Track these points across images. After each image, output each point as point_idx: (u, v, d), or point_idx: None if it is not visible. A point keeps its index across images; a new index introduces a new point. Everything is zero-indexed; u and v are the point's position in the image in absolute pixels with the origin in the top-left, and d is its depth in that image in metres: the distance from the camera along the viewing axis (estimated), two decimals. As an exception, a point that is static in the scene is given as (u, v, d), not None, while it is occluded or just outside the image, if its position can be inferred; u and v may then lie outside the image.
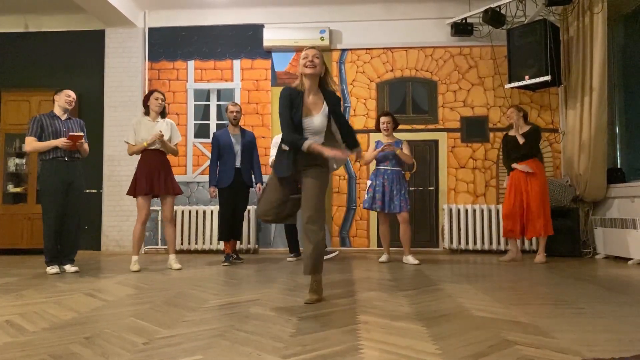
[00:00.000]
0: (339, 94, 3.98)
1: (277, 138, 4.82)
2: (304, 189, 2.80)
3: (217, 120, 6.14)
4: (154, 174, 4.29)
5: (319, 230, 2.72)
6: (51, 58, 6.33)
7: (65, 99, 4.26)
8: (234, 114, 4.83)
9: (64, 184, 4.16)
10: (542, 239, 4.78)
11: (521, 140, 4.70)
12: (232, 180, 4.70)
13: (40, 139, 4.14)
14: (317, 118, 2.79)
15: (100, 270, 4.34)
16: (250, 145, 4.87)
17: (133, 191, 4.29)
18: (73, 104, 4.33)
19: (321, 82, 2.88)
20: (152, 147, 4.31)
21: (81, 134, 4.18)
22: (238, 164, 4.75)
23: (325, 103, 2.83)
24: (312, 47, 2.85)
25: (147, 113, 4.41)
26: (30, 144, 4.14)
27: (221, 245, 5.69)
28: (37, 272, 4.17)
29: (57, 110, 4.26)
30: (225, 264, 4.67)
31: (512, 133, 4.87)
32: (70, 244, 4.25)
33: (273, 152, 5.00)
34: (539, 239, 4.85)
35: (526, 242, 5.56)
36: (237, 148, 4.77)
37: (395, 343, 1.90)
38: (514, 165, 4.78)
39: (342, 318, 2.34)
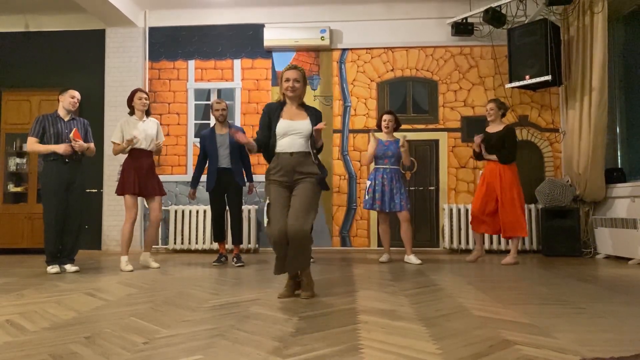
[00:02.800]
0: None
1: None
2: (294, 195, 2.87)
3: (218, 119, 6.14)
4: (142, 173, 4.32)
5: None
6: (52, 58, 6.33)
7: (69, 100, 4.23)
8: (220, 111, 4.59)
9: (65, 184, 4.16)
10: (515, 239, 4.64)
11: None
12: (217, 182, 4.53)
13: (42, 140, 4.15)
14: (302, 122, 2.93)
15: (101, 269, 4.34)
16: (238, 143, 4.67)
17: (121, 190, 4.30)
18: (77, 105, 4.31)
19: (302, 101, 3.06)
20: (141, 147, 4.32)
21: (77, 140, 4.14)
22: (222, 164, 4.54)
23: (308, 116, 2.97)
24: (294, 68, 2.97)
25: (132, 113, 4.42)
26: (32, 145, 4.15)
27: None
28: (38, 272, 4.18)
29: (61, 111, 4.25)
30: (215, 264, 4.62)
31: (488, 129, 4.73)
32: (72, 243, 4.25)
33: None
34: (511, 240, 4.70)
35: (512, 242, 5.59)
36: (222, 149, 4.55)
37: (395, 343, 1.89)
38: (486, 156, 4.59)
39: (342, 318, 2.34)
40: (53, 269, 4.10)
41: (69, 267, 4.19)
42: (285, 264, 2.84)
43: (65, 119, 4.25)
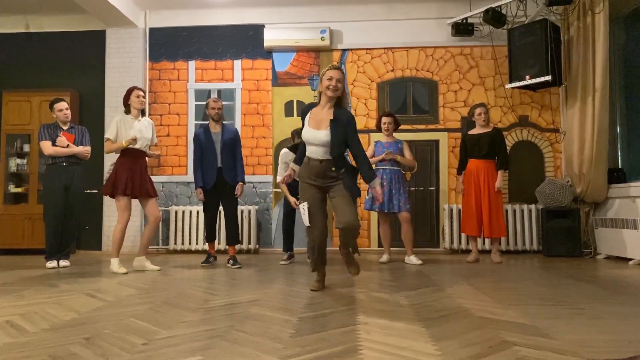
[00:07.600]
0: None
1: (285, 155, 4.72)
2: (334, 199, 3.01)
3: (218, 120, 6.13)
4: (135, 175, 4.19)
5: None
6: (52, 58, 6.34)
7: (59, 114, 4.57)
8: (216, 110, 4.55)
9: (63, 186, 4.55)
10: (496, 239, 4.85)
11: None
12: (215, 181, 4.50)
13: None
14: (322, 132, 2.91)
15: (101, 270, 4.34)
16: (231, 142, 4.58)
17: (111, 190, 4.12)
18: (69, 113, 4.61)
19: (338, 101, 3.00)
20: (135, 147, 4.18)
21: (64, 139, 4.52)
22: (219, 163, 4.52)
23: (329, 126, 2.91)
24: (337, 69, 2.96)
25: (128, 111, 4.28)
26: (48, 148, 4.48)
27: (222, 246, 5.70)
28: (38, 273, 4.18)
29: (60, 121, 4.62)
30: (204, 264, 4.56)
31: (472, 132, 4.88)
32: (67, 241, 4.65)
33: (281, 167, 4.77)
34: (493, 239, 4.87)
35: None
36: (218, 147, 4.53)
37: (394, 344, 1.90)
38: (497, 185, 4.70)
39: (342, 318, 2.34)
40: (51, 264, 4.49)
41: (62, 262, 4.58)
42: (340, 243, 3.12)
43: (65, 128, 4.60)
